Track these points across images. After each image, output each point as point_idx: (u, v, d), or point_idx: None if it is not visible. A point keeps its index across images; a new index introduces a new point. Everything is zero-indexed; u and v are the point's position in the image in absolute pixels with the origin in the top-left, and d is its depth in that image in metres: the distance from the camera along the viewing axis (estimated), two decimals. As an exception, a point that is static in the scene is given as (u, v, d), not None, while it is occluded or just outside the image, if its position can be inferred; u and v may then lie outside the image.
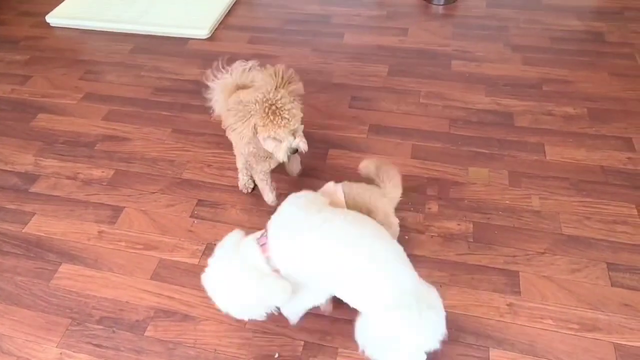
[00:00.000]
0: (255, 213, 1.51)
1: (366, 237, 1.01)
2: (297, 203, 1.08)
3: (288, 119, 1.14)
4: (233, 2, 2.60)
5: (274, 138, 1.17)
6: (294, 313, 1.18)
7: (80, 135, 1.85)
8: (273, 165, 1.39)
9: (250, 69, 1.40)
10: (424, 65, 2.09)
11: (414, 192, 1.53)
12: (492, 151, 1.68)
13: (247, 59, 2.25)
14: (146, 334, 1.24)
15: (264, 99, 1.14)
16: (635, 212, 1.45)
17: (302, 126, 1.21)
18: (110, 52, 2.30)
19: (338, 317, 1.25)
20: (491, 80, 2.00)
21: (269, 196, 1.48)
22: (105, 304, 1.31)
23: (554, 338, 1.19)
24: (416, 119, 1.83)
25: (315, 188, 1.52)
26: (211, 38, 2.36)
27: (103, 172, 1.69)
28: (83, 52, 2.32)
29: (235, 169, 1.68)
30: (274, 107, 1.13)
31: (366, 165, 1.27)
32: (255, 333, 1.23)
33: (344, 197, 1.17)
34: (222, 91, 1.40)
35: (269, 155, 1.31)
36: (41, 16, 2.55)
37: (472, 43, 2.21)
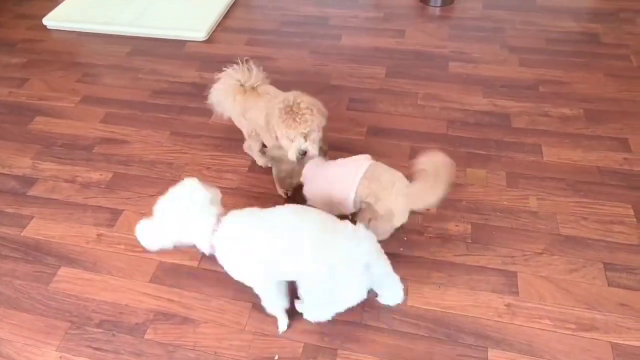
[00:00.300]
0: (254, 215, 1.51)
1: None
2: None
3: (299, 123, 1.25)
4: (230, 5, 2.60)
5: (288, 137, 1.28)
6: (275, 313, 1.21)
7: (78, 138, 1.84)
8: (294, 181, 1.43)
9: (249, 68, 1.46)
10: (421, 67, 2.10)
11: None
12: (489, 152, 1.69)
13: (244, 60, 2.26)
14: (146, 336, 1.24)
15: (285, 101, 1.27)
16: (631, 212, 1.47)
17: (319, 134, 1.31)
18: (108, 54, 2.30)
19: (337, 318, 1.25)
20: (488, 82, 2.01)
21: (279, 191, 1.54)
22: (105, 307, 1.31)
23: (552, 338, 1.20)
24: (414, 121, 1.84)
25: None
26: (209, 40, 2.36)
27: (101, 175, 1.68)
28: (80, 55, 2.32)
29: (234, 172, 1.69)
30: (289, 109, 1.25)
31: (424, 162, 1.19)
32: (255, 335, 1.23)
33: (364, 172, 1.23)
34: (227, 91, 1.45)
35: (290, 175, 1.40)
36: (38, 19, 2.54)
37: (469, 44, 2.22)
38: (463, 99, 1.92)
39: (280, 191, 1.53)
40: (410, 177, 1.24)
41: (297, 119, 1.24)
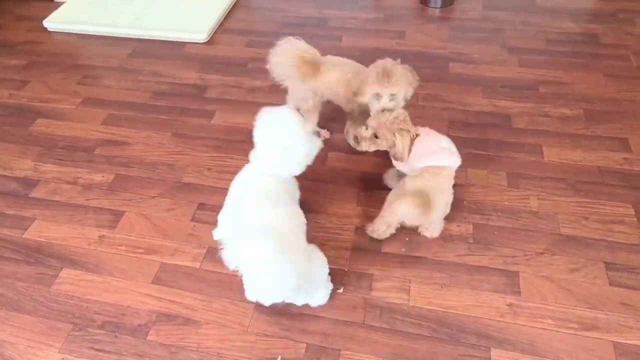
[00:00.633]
0: (256, 216, 1.51)
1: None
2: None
3: (391, 85, 1.34)
4: (231, 6, 2.61)
5: (376, 95, 1.37)
6: None
7: (79, 140, 1.85)
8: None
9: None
10: (422, 68, 2.10)
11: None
12: (490, 153, 1.69)
13: (245, 62, 2.27)
14: (148, 338, 1.24)
15: (384, 63, 1.37)
16: (632, 211, 1.47)
17: (401, 102, 1.38)
18: (108, 56, 2.30)
19: (340, 319, 1.25)
20: (488, 82, 2.01)
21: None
22: (107, 308, 1.31)
23: (554, 337, 1.20)
24: (414, 122, 1.83)
25: (314, 191, 1.54)
26: (209, 42, 2.37)
27: (103, 176, 1.69)
28: (81, 57, 2.32)
29: (235, 173, 1.68)
30: (385, 72, 1.34)
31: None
32: (258, 336, 1.23)
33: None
34: (288, 56, 1.50)
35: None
36: (38, 21, 2.55)
37: (469, 45, 2.23)
38: (463, 99, 1.93)
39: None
40: None
41: (390, 81, 1.33)
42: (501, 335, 1.21)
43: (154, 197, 1.61)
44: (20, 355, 1.23)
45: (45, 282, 1.38)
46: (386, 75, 1.34)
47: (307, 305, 1.27)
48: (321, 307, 1.27)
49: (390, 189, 1.41)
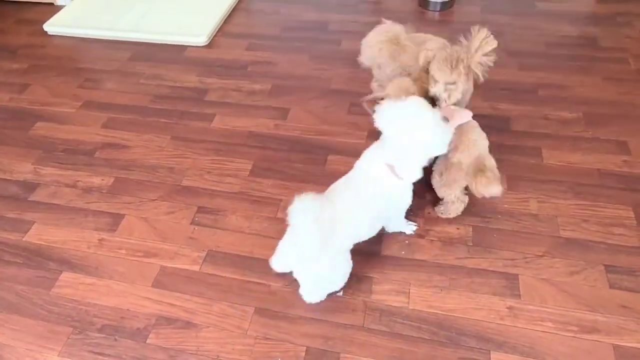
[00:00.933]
0: (256, 220, 1.51)
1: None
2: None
3: (449, 73, 1.29)
4: (231, 10, 2.62)
5: (434, 78, 1.34)
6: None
7: (79, 143, 1.85)
8: None
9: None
10: (421, 71, 2.11)
11: (413, 197, 1.54)
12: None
13: (245, 66, 2.27)
14: (148, 341, 1.24)
15: (452, 51, 1.31)
16: (632, 214, 1.47)
17: (458, 95, 1.34)
18: (109, 59, 2.31)
19: (340, 322, 1.25)
20: (488, 85, 2.01)
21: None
22: (107, 312, 1.31)
23: (554, 340, 1.20)
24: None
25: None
26: (209, 45, 2.38)
27: (103, 179, 1.69)
28: (81, 60, 2.33)
29: (235, 176, 1.69)
30: (451, 59, 1.29)
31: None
32: (257, 339, 1.23)
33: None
34: (380, 34, 1.54)
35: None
36: (39, 24, 2.56)
37: (468, 48, 2.23)
38: (463, 102, 1.93)
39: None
40: None
41: (450, 69, 1.29)
42: (501, 338, 1.21)
43: (154, 200, 1.61)
44: (20, 358, 1.23)
45: (45, 286, 1.38)
46: (449, 62, 1.29)
47: (306, 309, 1.27)
48: (320, 310, 1.27)
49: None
